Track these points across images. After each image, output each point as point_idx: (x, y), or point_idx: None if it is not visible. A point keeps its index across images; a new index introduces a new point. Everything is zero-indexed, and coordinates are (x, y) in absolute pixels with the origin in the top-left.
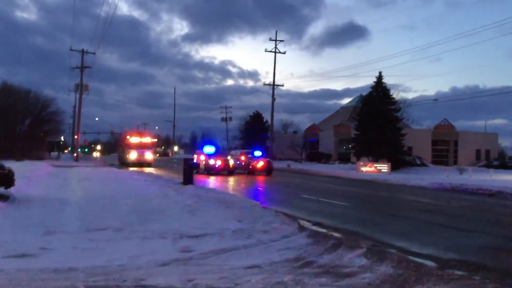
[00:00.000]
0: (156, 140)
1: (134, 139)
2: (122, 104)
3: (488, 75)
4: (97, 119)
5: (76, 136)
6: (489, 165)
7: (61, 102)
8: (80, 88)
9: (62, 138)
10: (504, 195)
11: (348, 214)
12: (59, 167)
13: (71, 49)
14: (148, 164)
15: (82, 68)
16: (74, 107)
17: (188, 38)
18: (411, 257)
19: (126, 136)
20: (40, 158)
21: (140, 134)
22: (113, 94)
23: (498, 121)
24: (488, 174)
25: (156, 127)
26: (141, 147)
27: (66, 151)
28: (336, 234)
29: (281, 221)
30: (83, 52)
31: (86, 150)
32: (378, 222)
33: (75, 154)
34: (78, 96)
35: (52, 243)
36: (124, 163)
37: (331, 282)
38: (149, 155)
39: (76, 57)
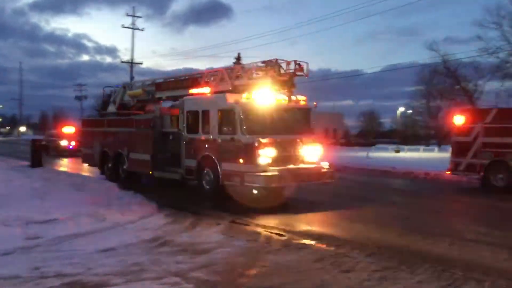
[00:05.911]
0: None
1: (262, 105)
2: None
3: (340, 59)
4: None
5: None
6: (336, 143)
7: None
8: None
9: None
10: (348, 170)
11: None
12: None
13: None
14: (318, 178)
15: None
16: None
17: (37, 7)
18: (264, 231)
19: (207, 91)
20: None
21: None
22: None
23: (346, 103)
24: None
25: (1, 106)
26: (285, 128)
27: None
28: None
29: (139, 202)
30: None
31: None
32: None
33: None
34: None
35: None
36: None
37: (188, 259)
38: (313, 153)
39: None
